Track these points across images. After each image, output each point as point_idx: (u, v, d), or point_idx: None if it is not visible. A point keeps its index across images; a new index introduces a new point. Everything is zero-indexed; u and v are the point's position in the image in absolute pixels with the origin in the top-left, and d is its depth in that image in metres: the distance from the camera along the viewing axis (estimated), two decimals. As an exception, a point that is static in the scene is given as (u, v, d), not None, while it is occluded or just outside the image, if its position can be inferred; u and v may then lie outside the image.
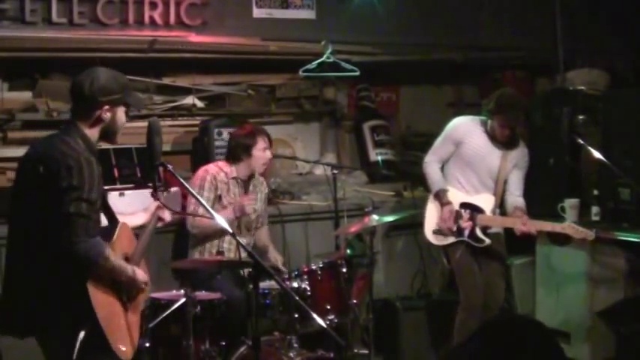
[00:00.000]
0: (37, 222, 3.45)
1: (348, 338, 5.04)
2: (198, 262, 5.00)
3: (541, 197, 5.75)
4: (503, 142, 5.29)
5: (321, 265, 4.99)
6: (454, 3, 7.18)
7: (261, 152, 5.22)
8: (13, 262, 3.56)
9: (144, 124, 3.79)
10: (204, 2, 6.22)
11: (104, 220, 3.75)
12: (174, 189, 5.51)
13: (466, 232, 5.28)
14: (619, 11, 7.22)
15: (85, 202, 3.39)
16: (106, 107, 3.57)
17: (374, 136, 7.06)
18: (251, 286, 4.01)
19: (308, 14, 6.69)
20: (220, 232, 5.00)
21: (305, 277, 4.92)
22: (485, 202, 5.31)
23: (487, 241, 5.29)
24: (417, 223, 5.61)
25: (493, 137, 5.29)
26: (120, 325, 3.57)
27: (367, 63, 6.72)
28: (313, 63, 6.32)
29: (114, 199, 5.09)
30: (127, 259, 3.67)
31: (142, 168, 5.60)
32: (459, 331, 5.28)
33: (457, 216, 5.30)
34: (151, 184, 3.94)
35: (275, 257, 5.35)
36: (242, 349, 4.68)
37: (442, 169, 5.41)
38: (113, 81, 3.60)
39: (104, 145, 3.74)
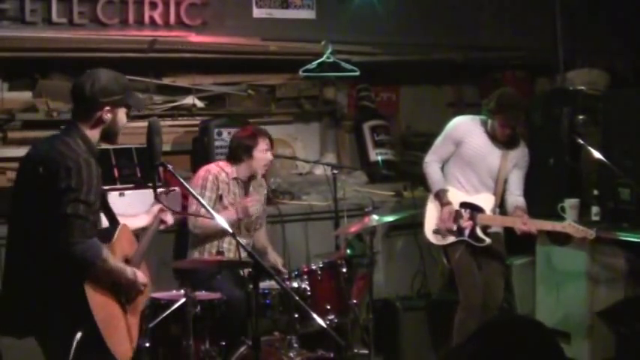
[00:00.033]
0: (36, 222, 3.45)
1: (348, 338, 5.04)
2: (198, 262, 5.00)
3: (541, 197, 5.75)
4: (504, 141, 5.29)
5: (321, 265, 5.00)
6: (454, 3, 7.18)
7: (261, 154, 5.22)
8: (13, 262, 3.56)
9: (144, 124, 3.79)
10: (204, 2, 6.22)
11: (105, 222, 3.76)
12: (175, 189, 5.53)
13: (466, 232, 5.28)
14: (619, 11, 7.22)
15: (83, 203, 3.39)
16: (107, 108, 3.58)
17: (374, 136, 7.06)
18: (251, 286, 4.01)
19: (308, 14, 6.69)
20: (221, 233, 5.00)
21: (305, 277, 4.92)
22: (485, 201, 5.32)
23: (487, 240, 5.29)
24: (417, 223, 5.61)
25: (493, 137, 5.29)
26: (118, 327, 3.57)
27: (367, 63, 6.72)
28: (313, 63, 6.32)
29: (114, 199, 5.09)
30: (126, 260, 3.68)
31: (142, 168, 5.60)
32: (459, 330, 5.28)
33: (457, 216, 5.30)
34: (150, 185, 3.93)
35: (275, 259, 5.35)
36: (242, 349, 4.68)
37: (442, 168, 5.41)
38: (114, 82, 3.61)
39: (104, 145, 3.74)
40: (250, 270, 4.17)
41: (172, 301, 4.44)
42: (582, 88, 6.29)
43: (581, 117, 5.91)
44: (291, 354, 4.69)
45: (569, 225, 5.05)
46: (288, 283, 4.83)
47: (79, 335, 3.39)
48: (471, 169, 5.33)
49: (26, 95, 5.91)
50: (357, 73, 6.48)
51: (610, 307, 5.55)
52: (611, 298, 5.60)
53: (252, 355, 4.17)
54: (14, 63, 5.82)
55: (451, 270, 5.47)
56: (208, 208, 3.86)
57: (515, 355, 2.74)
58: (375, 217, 5.07)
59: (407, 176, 6.72)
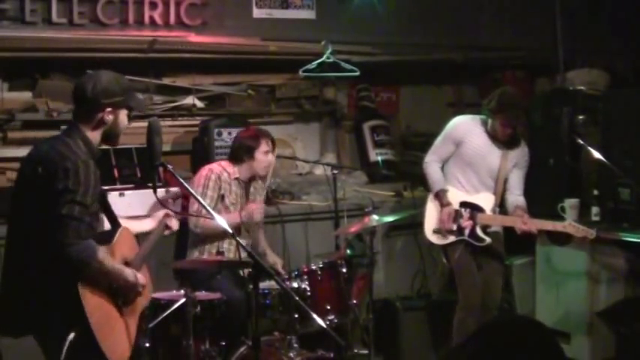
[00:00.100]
0: (35, 223, 3.45)
1: (348, 338, 5.05)
2: (198, 262, 5.00)
3: (541, 197, 5.75)
4: (505, 141, 5.29)
5: (321, 265, 5.00)
6: (454, 3, 7.18)
7: (263, 155, 5.21)
8: (12, 262, 3.56)
9: (144, 124, 3.79)
10: (204, 2, 6.22)
11: (107, 224, 3.76)
12: (175, 188, 5.53)
13: (467, 232, 5.28)
14: (619, 11, 7.23)
15: (79, 204, 3.39)
16: (108, 109, 3.58)
17: (374, 136, 7.06)
18: (251, 286, 4.01)
19: (308, 14, 6.69)
20: (222, 234, 5.01)
21: (305, 277, 4.92)
22: (485, 201, 5.32)
23: (487, 240, 5.29)
24: (417, 223, 5.61)
25: (493, 137, 5.29)
26: (114, 329, 3.57)
27: (367, 63, 6.72)
28: (313, 63, 6.31)
29: (114, 199, 5.09)
30: (126, 263, 3.68)
31: (142, 168, 5.60)
32: (458, 330, 5.28)
33: (457, 215, 5.31)
34: (150, 185, 3.93)
35: (274, 260, 5.35)
36: (242, 349, 4.68)
37: (442, 168, 5.41)
38: (115, 83, 3.61)
39: (104, 146, 3.74)
40: (250, 270, 4.17)
41: (172, 301, 4.43)
42: (582, 88, 6.29)
43: (581, 117, 5.91)
44: (291, 354, 4.68)
45: (569, 225, 5.06)
46: (288, 283, 4.83)
47: (71, 336, 3.39)
48: (471, 168, 5.33)
49: (26, 95, 5.91)
50: (357, 73, 6.48)
51: (610, 307, 5.55)
52: (611, 298, 5.60)
53: (252, 355, 4.18)
54: (14, 63, 5.82)
55: (451, 270, 5.47)
56: (209, 208, 3.86)
57: (515, 355, 2.75)
58: (375, 217, 5.07)
59: (407, 176, 6.72)
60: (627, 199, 5.54)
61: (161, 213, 4.06)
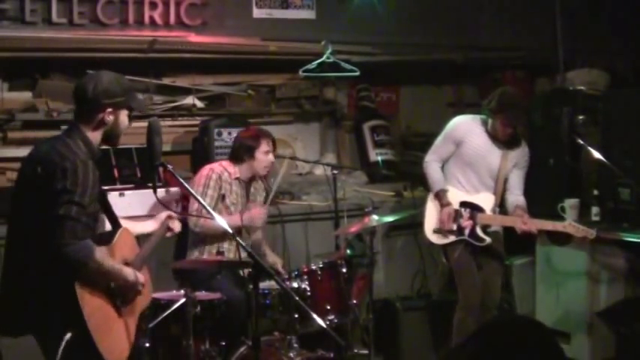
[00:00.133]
0: (35, 223, 3.45)
1: (348, 338, 5.04)
2: (198, 262, 5.00)
3: (541, 197, 5.75)
4: (505, 141, 5.29)
5: (321, 265, 5.00)
6: (454, 3, 7.18)
7: (263, 155, 5.22)
8: (12, 262, 3.56)
9: (144, 124, 3.79)
10: (204, 2, 6.22)
11: (108, 225, 3.76)
12: (176, 188, 5.53)
13: (467, 231, 5.28)
14: (619, 11, 7.22)
15: (76, 205, 3.39)
16: (109, 110, 3.59)
17: (374, 136, 7.06)
18: (251, 286, 4.01)
19: (308, 14, 6.69)
20: (222, 235, 5.01)
21: (305, 277, 4.92)
22: (485, 201, 5.32)
23: (488, 239, 5.29)
24: (417, 223, 5.61)
25: (494, 136, 5.29)
26: (112, 330, 3.56)
27: (367, 63, 6.72)
28: (313, 63, 6.32)
29: (114, 199, 5.09)
30: (126, 264, 3.68)
31: (142, 168, 5.60)
32: (457, 330, 5.28)
33: (457, 215, 5.31)
34: (150, 185, 3.93)
35: (274, 260, 5.35)
36: (242, 349, 4.68)
37: (442, 168, 5.41)
38: (116, 84, 3.62)
39: (104, 146, 3.74)
40: (250, 270, 4.17)
41: (172, 301, 4.43)
42: (582, 88, 6.29)
43: (581, 117, 5.91)
44: (291, 354, 4.69)
45: (569, 224, 5.06)
46: (288, 283, 4.83)
47: (68, 336, 3.39)
48: (471, 168, 5.33)
49: (26, 95, 5.91)
50: (357, 73, 6.48)
51: (610, 307, 5.55)
52: (611, 298, 5.60)
53: (252, 355, 4.17)
54: (14, 63, 5.82)
55: (451, 269, 5.47)
56: (209, 208, 3.86)
57: (515, 355, 2.74)
58: (375, 217, 5.07)
59: (407, 176, 6.72)
60: (627, 199, 5.54)
61: (164, 215, 4.07)
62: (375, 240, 5.29)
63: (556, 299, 5.85)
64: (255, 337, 3.74)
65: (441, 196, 5.33)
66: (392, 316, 5.85)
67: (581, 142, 5.50)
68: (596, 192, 5.73)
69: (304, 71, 6.34)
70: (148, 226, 4.04)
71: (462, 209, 5.32)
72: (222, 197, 5.15)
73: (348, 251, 5.35)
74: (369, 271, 5.28)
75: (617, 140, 5.66)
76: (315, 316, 4.09)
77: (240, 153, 5.25)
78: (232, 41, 6.34)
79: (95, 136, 3.61)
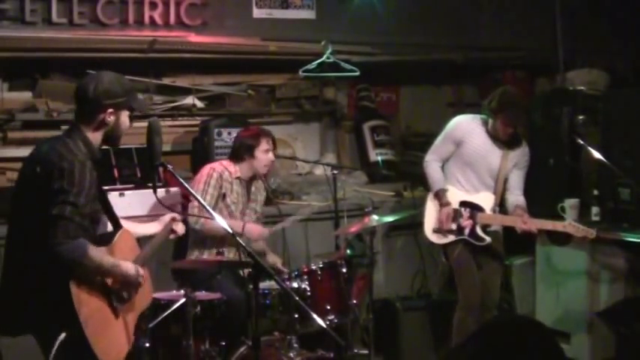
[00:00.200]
0: (35, 223, 3.45)
1: (348, 338, 5.04)
2: (198, 262, 5.00)
3: (541, 197, 5.75)
4: (505, 141, 5.29)
5: (321, 266, 5.00)
6: (454, 3, 7.18)
7: (263, 154, 5.22)
8: (12, 262, 3.56)
9: (144, 124, 3.79)
10: (204, 2, 6.23)
11: (109, 226, 3.76)
12: (176, 188, 5.53)
13: (466, 231, 5.29)
14: (619, 11, 7.22)
15: (70, 204, 3.38)
16: (110, 110, 3.59)
17: (374, 136, 7.06)
18: (251, 286, 4.01)
19: (308, 14, 6.69)
20: (223, 238, 5.01)
21: (305, 277, 4.92)
22: (485, 200, 5.32)
23: (487, 239, 5.29)
24: (417, 223, 5.61)
25: (494, 136, 5.29)
26: (108, 330, 3.56)
27: (367, 63, 6.72)
28: (313, 63, 6.32)
29: (114, 199, 5.08)
30: (126, 263, 3.68)
31: (142, 168, 5.60)
32: (457, 329, 5.28)
33: (457, 215, 5.31)
34: (150, 185, 3.93)
35: (274, 260, 5.35)
36: (242, 349, 4.68)
37: (442, 168, 5.41)
38: (117, 84, 3.62)
39: (105, 146, 3.74)
40: (250, 270, 4.17)
41: (172, 301, 4.43)
42: (582, 88, 6.29)
43: (581, 117, 5.91)
44: (291, 354, 4.68)
45: (569, 224, 5.06)
46: (288, 283, 4.83)
47: (62, 336, 3.39)
48: (471, 168, 5.33)
49: (26, 95, 5.92)
50: (357, 73, 6.48)
51: (610, 307, 5.55)
52: (611, 298, 5.60)
53: (252, 355, 4.18)
54: (14, 63, 5.82)
55: (451, 269, 5.47)
56: (209, 209, 3.87)
57: (515, 355, 2.75)
58: (375, 217, 5.07)
59: (407, 176, 6.72)
60: (627, 199, 5.54)
61: (168, 217, 4.07)
62: (375, 240, 5.29)
63: (556, 299, 5.85)
64: (255, 337, 3.73)
65: (440, 196, 5.33)
66: (392, 316, 5.85)
67: (581, 142, 5.50)
68: (596, 192, 5.73)
69: (304, 71, 6.35)
70: (151, 228, 4.04)
71: (462, 209, 5.32)
72: (223, 196, 5.15)
73: (348, 251, 5.34)
74: (369, 271, 5.28)
75: (617, 140, 5.66)
76: (315, 316, 4.09)
77: (240, 152, 5.25)
78: (232, 41, 6.34)
79: (96, 137, 3.61)
